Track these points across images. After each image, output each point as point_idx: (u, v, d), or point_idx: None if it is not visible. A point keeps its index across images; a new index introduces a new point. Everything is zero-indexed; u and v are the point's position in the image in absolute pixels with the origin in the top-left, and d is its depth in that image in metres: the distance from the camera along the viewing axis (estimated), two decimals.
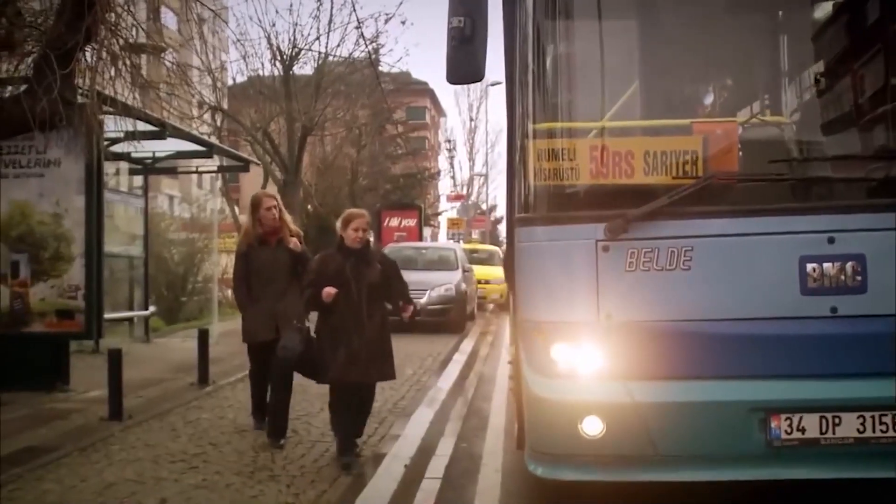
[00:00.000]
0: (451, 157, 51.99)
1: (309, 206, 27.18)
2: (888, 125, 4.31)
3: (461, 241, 43.89)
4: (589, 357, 4.19)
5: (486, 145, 52.43)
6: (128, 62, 6.90)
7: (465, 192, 52.46)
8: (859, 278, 4.03)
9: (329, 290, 5.87)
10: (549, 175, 4.29)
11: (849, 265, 4.04)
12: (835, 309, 4.05)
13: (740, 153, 4.31)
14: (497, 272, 22.64)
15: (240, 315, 7.35)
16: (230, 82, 27.36)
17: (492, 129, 69.78)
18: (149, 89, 8.37)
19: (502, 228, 57.18)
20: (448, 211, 48.70)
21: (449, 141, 51.45)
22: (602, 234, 4.14)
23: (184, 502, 5.21)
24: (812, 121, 4.59)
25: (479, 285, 20.73)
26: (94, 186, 8.71)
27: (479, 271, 21.03)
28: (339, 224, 6.18)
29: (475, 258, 22.51)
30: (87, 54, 6.65)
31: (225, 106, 25.40)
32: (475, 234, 46.55)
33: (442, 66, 4.30)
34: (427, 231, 35.67)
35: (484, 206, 53.12)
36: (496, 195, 78.37)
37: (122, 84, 7.28)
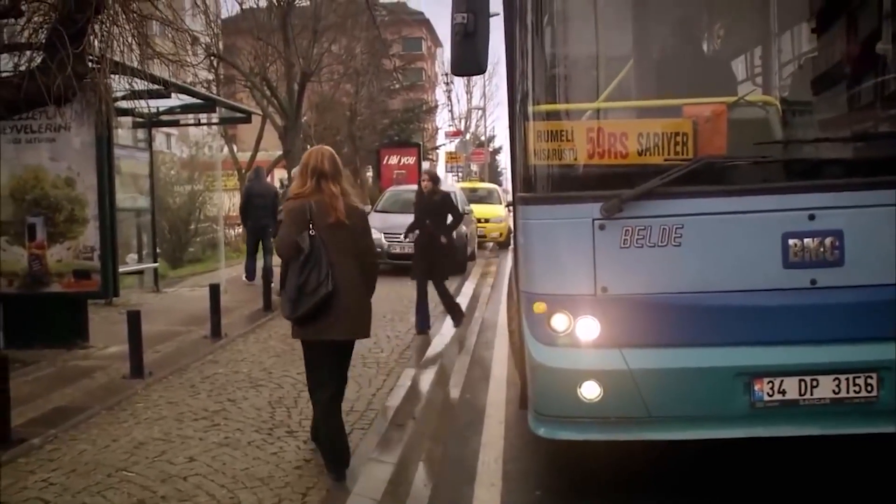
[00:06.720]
0: (449, 91, 51.66)
1: (308, 146, 27.23)
2: (871, 106, 4.60)
3: (460, 175, 44.08)
4: (587, 327, 4.52)
5: (484, 77, 51.88)
6: (136, 33, 7.02)
7: (463, 125, 52.29)
8: (837, 252, 4.34)
9: None
10: (548, 156, 4.56)
11: (828, 240, 4.34)
12: (814, 281, 4.37)
13: (729, 134, 4.56)
14: (497, 210, 22.92)
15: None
16: (224, 14, 27.12)
17: (489, 60, 68.81)
18: (153, 51, 8.46)
19: (500, 159, 57.24)
20: (446, 144, 48.65)
21: (447, 74, 50.93)
22: (598, 213, 4.43)
23: (210, 461, 5.58)
24: (798, 102, 4.83)
25: (479, 224, 20.98)
26: (104, 152, 8.96)
27: (479, 210, 21.23)
28: None
29: (474, 196, 22.71)
30: (97, 26, 6.78)
31: (220, 45, 25.25)
32: (474, 167, 46.59)
33: None
34: (425, 164, 35.76)
35: (483, 139, 53.03)
36: (494, 126, 78.08)
37: (128, 50, 7.40)
